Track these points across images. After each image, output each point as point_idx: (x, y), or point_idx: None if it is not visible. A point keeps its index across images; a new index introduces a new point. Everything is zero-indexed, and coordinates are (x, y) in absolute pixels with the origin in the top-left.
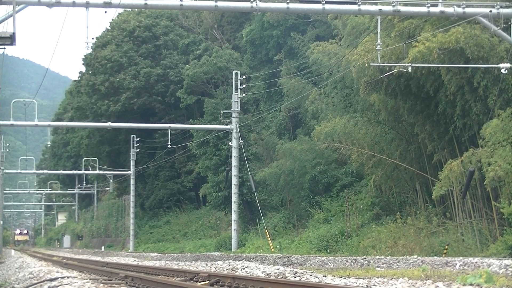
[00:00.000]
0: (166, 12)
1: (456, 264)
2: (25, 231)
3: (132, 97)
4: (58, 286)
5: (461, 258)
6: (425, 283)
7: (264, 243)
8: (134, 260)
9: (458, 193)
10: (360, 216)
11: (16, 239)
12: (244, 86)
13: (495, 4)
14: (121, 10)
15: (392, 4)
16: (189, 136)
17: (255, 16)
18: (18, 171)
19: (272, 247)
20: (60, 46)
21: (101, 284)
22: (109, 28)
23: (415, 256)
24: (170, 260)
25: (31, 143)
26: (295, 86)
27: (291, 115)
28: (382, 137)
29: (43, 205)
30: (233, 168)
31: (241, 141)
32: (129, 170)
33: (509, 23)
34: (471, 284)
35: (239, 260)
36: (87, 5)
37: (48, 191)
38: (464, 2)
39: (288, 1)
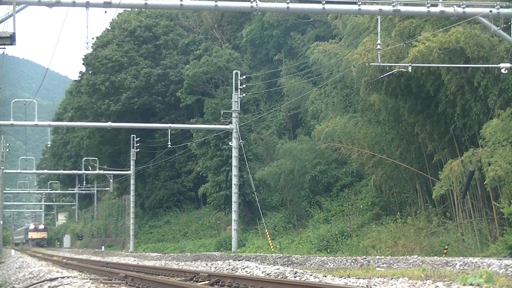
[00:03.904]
0: (166, 12)
1: (456, 264)
2: (42, 226)
3: (132, 97)
4: (58, 286)
5: (461, 258)
6: (425, 283)
7: (264, 243)
8: (134, 260)
9: (458, 193)
10: (360, 216)
11: (30, 237)
12: (244, 86)
13: (495, 4)
14: (121, 10)
15: (392, 4)
16: (189, 136)
17: (255, 16)
18: (18, 171)
19: (272, 247)
20: (60, 46)
21: (101, 284)
22: (110, 28)
23: (415, 256)
24: (170, 260)
25: (31, 143)
26: (295, 86)
27: (291, 115)
28: (382, 137)
29: (43, 205)
30: (233, 168)
31: (241, 141)
32: (129, 170)
33: (509, 23)
34: (471, 284)
35: (239, 260)
36: (87, 5)
37: (48, 191)
38: (464, 2)
39: (288, 1)
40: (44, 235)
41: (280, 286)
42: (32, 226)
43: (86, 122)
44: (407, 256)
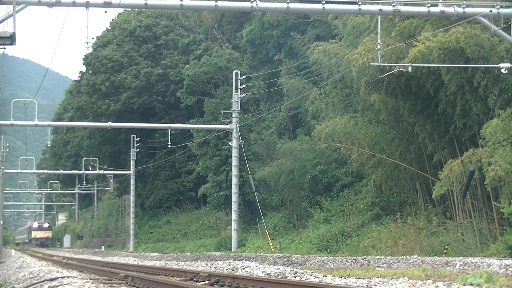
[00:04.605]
0: (166, 12)
1: (456, 264)
2: (47, 225)
3: (132, 97)
4: (58, 286)
5: (461, 258)
6: (425, 283)
7: (264, 243)
8: (134, 260)
9: (458, 193)
10: (360, 216)
11: (33, 236)
12: (244, 86)
13: (495, 4)
14: (121, 10)
15: (392, 4)
16: (189, 136)
17: (255, 16)
18: (18, 171)
19: (272, 247)
20: (60, 46)
21: (101, 284)
22: (110, 28)
23: (415, 256)
24: (170, 260)
25: (31, 143)
26: (295, 86)
27: (291, 115)
28: (382, 137)
29: (43, 205)
30: (233, 168)
31: (241, 141)
32: (129, 170)
33: (509, 23)
34: (471, 284)
35: (239, 260)
36: (87, 5)
37: (48, 191)
38: (464, 2)
39: (288, 1)
40: (48, 234)
41: (280, 286)
42: (35, 225)
43: (86, 122)
44: (407, 256)
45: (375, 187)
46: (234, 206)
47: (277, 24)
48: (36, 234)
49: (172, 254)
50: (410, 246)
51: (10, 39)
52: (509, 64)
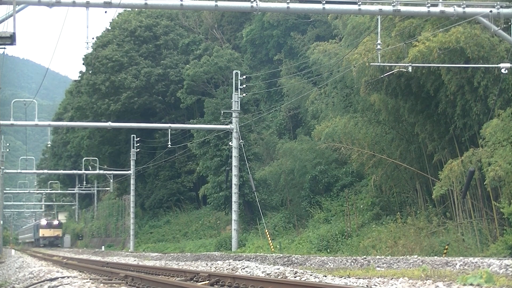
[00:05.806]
0: (166, 12)
1: (456, 264)
2: (56, 222)
3: (132, 97)
4: (58, 286)
5: (461, 258)
6: (425, 283)
7: (264, 243)
8: (134, 260)
9: (458, 193)
10: (360, 216)
11: (41, 234)
12: (244, 86)
13: (495, 4)
14: (121, 10)
15: (392, 4)
16: (189, 136)
17: (255, 16)
18: (18, 171)
19: (272, 247)
20: (60, 46)
21: (101, 284)
22: (110, 28)
23: (415, 256)
24: (170, 260)
25: (31, 143)
26: (295, 86)
27: (291, 115)
28: (382, 137)
29: (43, 205)
30: (233, 168)
31: (241, 141)
32: (129, 170)
33: (509, 23)
34: (471, 284)
35: (239, 260)
36: (87, 5)
37: (48, 191)
38: (464, 2)
39: (288, 1)
40: (58, 232)
41: (280, 286)
42: (44, 222)
43: (86, 122)
44: (407, 256)
45: (375, 187)
46: (234, 206)
47: (277, 24)
48: (45, 232)
49: (172, 254)
50: (410, 246)
51: (10, 39)
52: (509, 64)
